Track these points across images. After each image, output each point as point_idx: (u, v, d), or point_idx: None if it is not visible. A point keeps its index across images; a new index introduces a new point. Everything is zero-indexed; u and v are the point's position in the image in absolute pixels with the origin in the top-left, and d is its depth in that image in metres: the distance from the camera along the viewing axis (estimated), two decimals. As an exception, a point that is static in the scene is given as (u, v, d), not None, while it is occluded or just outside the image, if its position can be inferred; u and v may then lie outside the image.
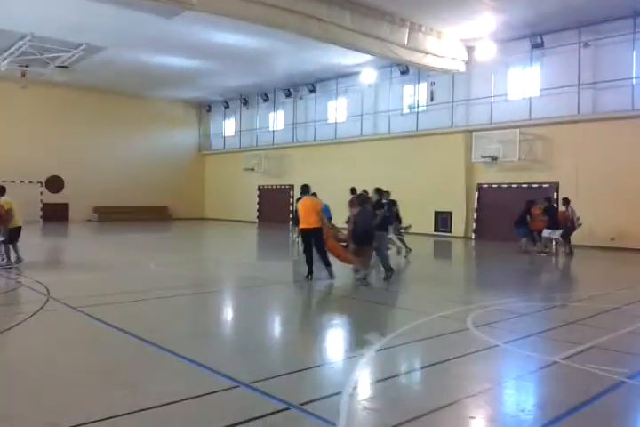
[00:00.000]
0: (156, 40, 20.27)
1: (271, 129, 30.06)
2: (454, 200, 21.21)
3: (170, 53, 22.35)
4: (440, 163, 21.45)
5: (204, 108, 34.26)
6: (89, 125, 29.26)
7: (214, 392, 4.31)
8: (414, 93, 23.17)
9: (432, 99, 22.39)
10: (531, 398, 4.55)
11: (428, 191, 21.65)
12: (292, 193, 28.57)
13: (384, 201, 12.46)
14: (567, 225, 14.92)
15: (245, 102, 30.98)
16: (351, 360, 5.32)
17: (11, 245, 11.32)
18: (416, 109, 23.01)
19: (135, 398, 4.18)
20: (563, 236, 14.98)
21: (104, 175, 29.49)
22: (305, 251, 10.46)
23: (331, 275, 10.26)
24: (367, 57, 22.34)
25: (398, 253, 14.38)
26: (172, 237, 23.03)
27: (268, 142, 29.89)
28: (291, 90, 28.08)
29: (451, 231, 21.43)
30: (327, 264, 10.34)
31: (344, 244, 11.29)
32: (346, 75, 25.10)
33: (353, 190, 13.66)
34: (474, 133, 20.40)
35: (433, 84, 22.27)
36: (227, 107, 32.42)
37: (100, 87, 28.36)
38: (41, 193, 27.76)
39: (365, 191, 12.83)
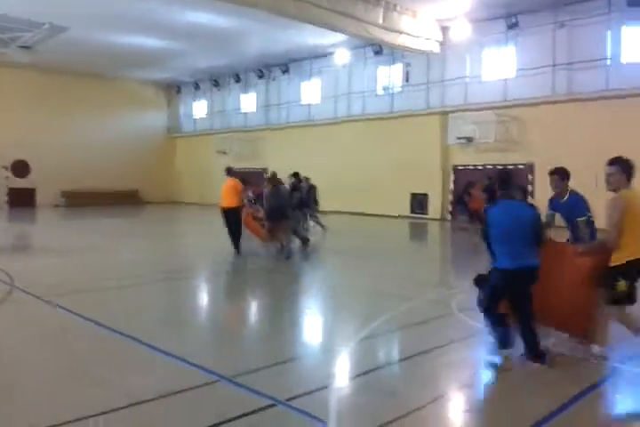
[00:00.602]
0: (123, 20, 19.45)
1: (243, 111, 29.47)
2: (430, 182, 21.13)
3: (138, 33, 21.53)
4: (415, 144, 21.28)
5: (173, 90, 33.37)
6: (55, 108, 28.21)
7: (195, 388, 4.08)
8: (389, 75, 22.88)
9: (407, 80, 22.15)
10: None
11: (403, 173, 21.52)
12: (265, 175, 28.18)
13: (303, 185, 14.42)
14: None
15: (216, 84, 30.23)
16: (336, 351, 5.14)
17: None
18: (391, 91, 22.74)
19: (109, 396, 3.92)
20: None
21: (72, 159, 28.52)
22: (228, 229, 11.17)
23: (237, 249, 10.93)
24: (341, 37, 21.92)
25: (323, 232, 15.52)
26: (141, 221, 22.51)
27: (241, 124, 29.32)
28: (263, 71, 27.46)
29: (427, 213, 21.39)
30: (236, 242, 10.95)
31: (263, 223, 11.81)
32: (320, 55, 24.61)
33: (296, 175, 14.08)
34: (449, 115, 20.26)
35: (408, 64, 22.00)
36: (197, 88, 31.62)
37: (67, 68, 27.30)
38: (6, 178, 26.76)
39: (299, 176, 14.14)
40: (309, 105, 25.87)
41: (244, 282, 9.16)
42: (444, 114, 20.63)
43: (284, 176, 12.87)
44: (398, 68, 22.49)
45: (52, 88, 27.92)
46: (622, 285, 4.36)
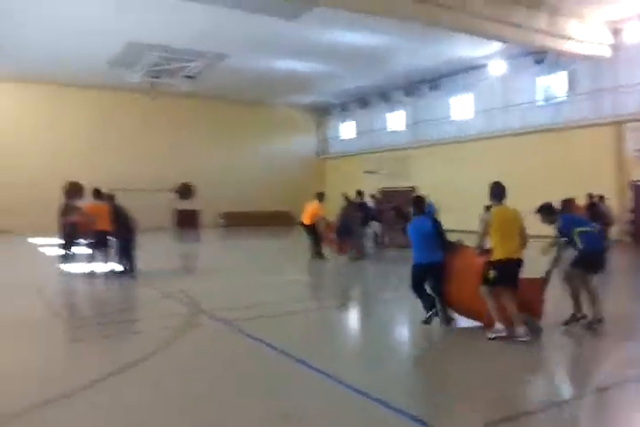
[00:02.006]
0: (279, 44, 20.26)
1: (390, 130, 29.19)
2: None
3: (292, 58, 22.31)
4: (584, 158, 19.36)
5: (321, 113, 34.14)
6: (215, 134, 30.19)
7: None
8: (550, 84, 21.23)
9: (571, 88, 20.36)
10: None
11: (569, 191, 19.50)
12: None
13: (369, 204, 16.43)
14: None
15: (363, 104, 30.37)
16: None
17: (123, 252, 11.03)
18: (553, 101, 21.05)
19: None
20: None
21: (230, 182, 30.20)
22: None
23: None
24: (496, 47, 20.94)
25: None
26: (292, 242, 22.88)
27: (388, 144, 29.03)
28: (411, 88, 27.03)
29: (598, 234, 19.22)
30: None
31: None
32: (471, 68, 23.63)
33: (359, 193, 16.09)
34: (627, 124, 18.16)
35: (573, 72, 20.24)
36: (344, 110, 32.03)
37: (223, 95, 29.08)
38: (173, 200, 28.93)
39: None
40: (461, 121, 24.85)
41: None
42: (619, 123, 18.55)
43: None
44: (561, 77, 20.78)
45: (207, 115, 29.96)
46: (492, 273, 5.95)
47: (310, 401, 4.24)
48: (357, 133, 31.64)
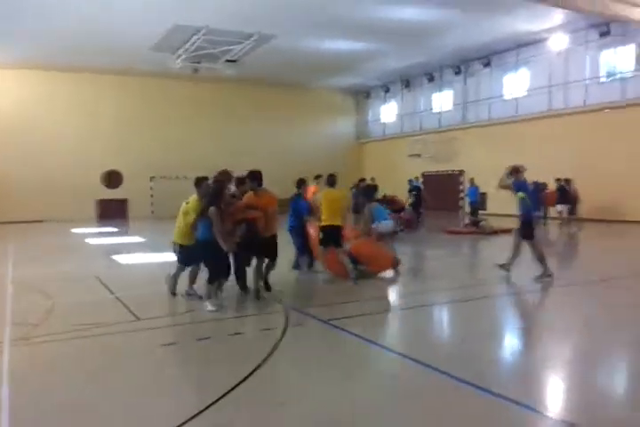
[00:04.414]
0: (325, 23, 19.30)
1: (437, 111, 28.07)
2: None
3: (336, 36, 21.26)
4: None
5: (361, 95, 33.03)
6: (252, 117, 29.36)
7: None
8: (616, 58, 19.92)
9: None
10: None
11: (637, 173, 18.51)
12: (461, 179, 26.51)
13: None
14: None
15: (407, 84, 29.25)
16: None
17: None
18: (619, 76, 19.76)
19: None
20: None
21: (268, 166, 29.31)
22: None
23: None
24: (557, 20, 19.73)
25: None
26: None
27: (434, 125, 27.93)
28: (460, 66, 25.81)
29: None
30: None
31: None
32: (528, 43, 22.30)
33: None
34: None
35: (641, 45, 18.93)
36: (387, 91, 30.89)
37: (262, 79, 28.24)
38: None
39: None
40: (515, 99, 23.63)
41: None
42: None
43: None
44: (629, 50, 19.45)
45: (248, 99, 29.10)
46: (320, 235, 8.21)
47: None
48: (400, 115, 30.55)
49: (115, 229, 19.99)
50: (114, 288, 7.99)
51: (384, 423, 3.50)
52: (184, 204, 7.26)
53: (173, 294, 7.32)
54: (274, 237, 7.29)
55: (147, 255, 12.04)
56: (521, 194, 8.31)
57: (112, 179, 26.87)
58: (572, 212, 18.18)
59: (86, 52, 22.07)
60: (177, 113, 27.61)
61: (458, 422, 3.55)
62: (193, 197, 7.15)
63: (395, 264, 8.94)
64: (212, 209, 6.31)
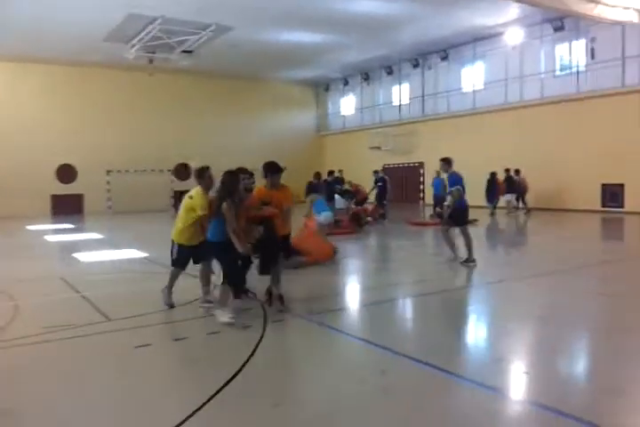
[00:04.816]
0: (282, 15, 19.11)
1: (396, 104, 28.26)
2: (627, 171, 18.52)
3: (295, 29, 21.09)
4: (607, 129, 18.78)
5: (321, 88, 32.97)
6: (208, 110, 28.90)
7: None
8: (570, 52, 20.45)
9: (593, 57, 19.62)
10: None
11: (591, 162, 19.13)
12: (422, 171, 26.82)
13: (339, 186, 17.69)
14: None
15: (366, 77, 29.34)
16: None
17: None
18: (573, 70, 20.30)
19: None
20: None
21: (226, 160, 28.97)
22: None
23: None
24: (513, 15, 20.11)
25: None
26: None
27: (394, 118, 28.13)
28: (419, 59, 26.05)
29: (622, 206, 18.80)
30: None
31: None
32: (484, 37, 22.71)
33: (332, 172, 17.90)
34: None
35: (593, 39, 19.48)
36: (346, 84, 30.91)
37: (219, 71, 27.79)
38: (172, 181, 27.81)
39: None
40: (473, 92, 24.02)
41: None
42: (645, 92, 17.94)
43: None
44: (581, 45, 20.01)
45: (205, 91, 28.67)
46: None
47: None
48: (359, 108, 30.63)
49: (71, 226, 19.32)
50: (79, 287, 7.71)
51: (380, 421, 3.47)
52: (187, 198, 6.24)
53: (170, 306, 6.38)
54: (288, 237, 6.76)
55: (107, 253, 11.67)
56: (457, 187, 8.89)
57: (65, 173, 26.03)
58: (522, 201, 19.31)
59: (35, 42, 21.22)
60: (131, 105, 26.90)
61: (445, 414, 3.55)
62: (196, 191, 6.21)
63: (333, 253, 9.88)
64: (224, 205, 5.50)
